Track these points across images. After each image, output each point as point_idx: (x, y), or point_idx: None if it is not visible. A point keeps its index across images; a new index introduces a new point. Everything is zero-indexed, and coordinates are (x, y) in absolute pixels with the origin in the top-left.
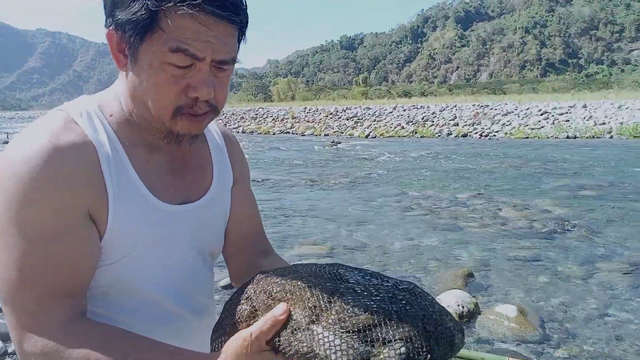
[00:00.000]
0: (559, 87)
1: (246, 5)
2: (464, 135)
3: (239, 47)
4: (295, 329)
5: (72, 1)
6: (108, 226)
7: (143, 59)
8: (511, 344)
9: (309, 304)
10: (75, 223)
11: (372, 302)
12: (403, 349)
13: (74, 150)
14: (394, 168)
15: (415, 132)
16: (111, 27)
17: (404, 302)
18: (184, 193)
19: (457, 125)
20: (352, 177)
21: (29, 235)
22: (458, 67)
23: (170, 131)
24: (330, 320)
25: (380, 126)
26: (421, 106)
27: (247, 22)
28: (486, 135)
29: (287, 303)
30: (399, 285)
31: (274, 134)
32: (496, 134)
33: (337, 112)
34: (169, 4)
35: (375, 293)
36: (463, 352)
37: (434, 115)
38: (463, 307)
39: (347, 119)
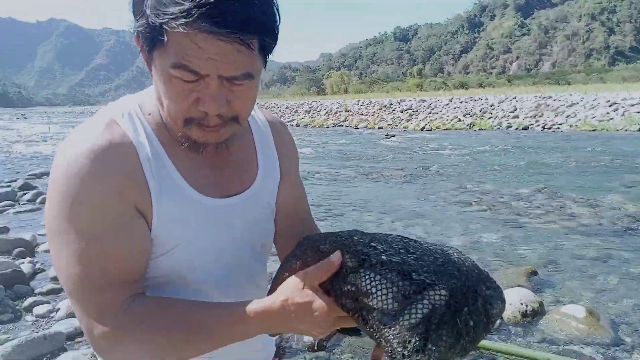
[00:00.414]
0: (630, 77)
1: (267, 12)
2: (525, 128)
3: (266, 54)
4: (345, 274)
5: None
6: (154, 221)
7: (155, 68)
8: (579, 346)
9: (356, 253)
10: (123, 217)
11: (414, 255)
12: (444, 292)
13: (115, 150)
14: (451, 161)
15: (473, 125)
16: (135, 34)
17: (446, 258)
18: (226, 187)
19: (518, 117)
20: (407, 171)
21: (84, 232)
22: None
23: (188, 137)
24: (376, 265)
25: (435, 119)
26: (479, 98)
27: (266, 31)
28: (549, 128)
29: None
30: (441, 246)
31: (328, 127)
32: (560, 126)
33: (391, 104)
34: (163, 20)
35: (418, 249)
36: (528, 351)
37: (493, 107)
38: (527, 305)
39: (402, 112)
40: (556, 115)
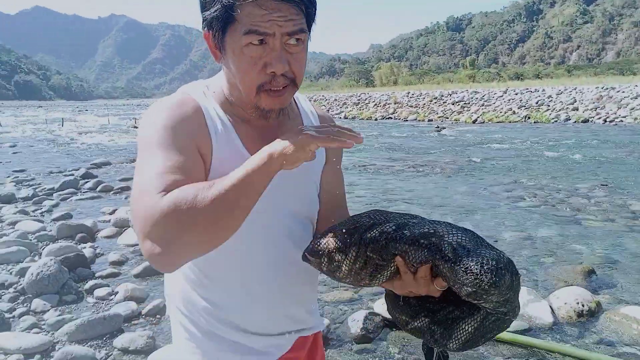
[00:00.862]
0: None
1: None
2: (585, 121)
3: (309, 20)
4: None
5: None
6: (212, 167)
7: (228, 48)
8: (639, 349)
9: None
10: (194, 149)
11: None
12: (494, 254)
13: (187, 106)
14: (504, 155)
15: (528, 117)
16: (205, 29)
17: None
18: None
19: (577, 109)
20: (458, 164)
21: (168, 148)
22: (579, 46)
23: (257, 107)
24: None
25: (488, 111)
26: (535, 89)
27: (309, 1)
28: (611, 121)
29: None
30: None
31: (376, 119)
32: (623, 119)
33: (442, 96)
34: None
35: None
36: (582, 352)
37: (550, 99)
38: (583, 305)
39: (453, 104)
40: (619, 108)
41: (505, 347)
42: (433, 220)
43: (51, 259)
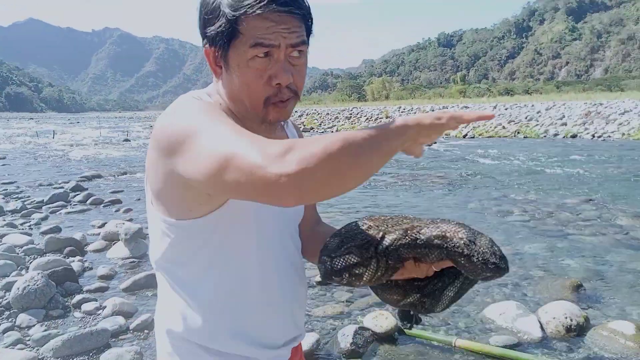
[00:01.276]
0: None
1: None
2: (573, 136)
3: (307, 34)
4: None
5: (186, 8)
6: None
7: (232, 63)
8: None
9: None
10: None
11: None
12: (490, 241)
13: (207, 101)
14: (494, 169)
15: (518, 132)
16: (206, 45)
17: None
18: None
19: (566, 125)
20: (448, 178)
21: (224, 121)
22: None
23: (264, 120)
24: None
25: (479, 125)
26: (525, 104)
27: (309, 12)
28: (599, 136)
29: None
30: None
31: None
32: (611, 134)
33: (433, 111)
34: (242, 12)
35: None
36: None
37: (539, 114)
38: (571, 319)
39: None
40: (607, 123)
41: None
42: (428, 219)
43: (38, 273)
